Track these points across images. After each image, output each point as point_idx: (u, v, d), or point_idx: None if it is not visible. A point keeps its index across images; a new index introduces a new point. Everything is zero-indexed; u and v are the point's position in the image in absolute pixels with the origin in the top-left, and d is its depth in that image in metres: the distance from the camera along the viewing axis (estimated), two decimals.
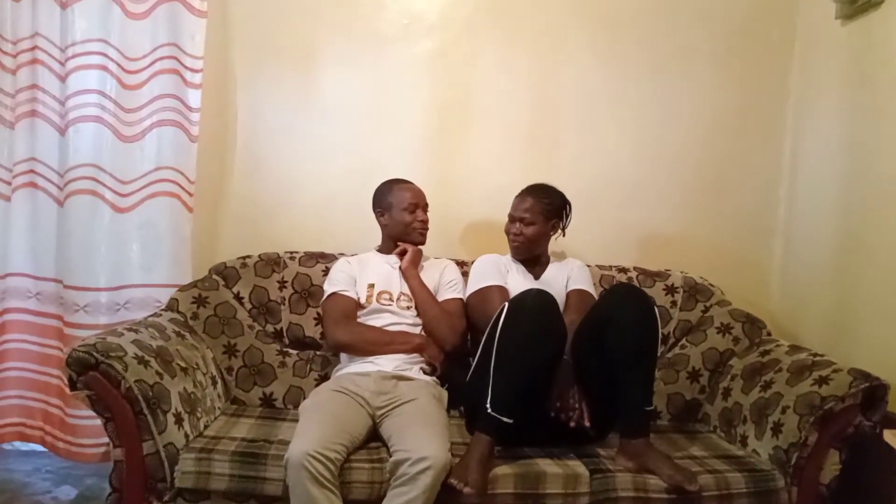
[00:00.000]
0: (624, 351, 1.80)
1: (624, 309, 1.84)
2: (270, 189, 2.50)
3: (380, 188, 2.25)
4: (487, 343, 1.86)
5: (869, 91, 2.13)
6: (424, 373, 2.06)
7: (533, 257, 2.24)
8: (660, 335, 1.88)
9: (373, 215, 2.26)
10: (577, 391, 1.85)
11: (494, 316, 1.86)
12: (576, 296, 2.16)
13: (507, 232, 2.22)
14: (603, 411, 1.86)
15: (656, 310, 1.87)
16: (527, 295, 1.85)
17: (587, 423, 1.82)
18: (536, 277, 2.22)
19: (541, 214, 2.16)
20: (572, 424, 1.82)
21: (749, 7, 2.52)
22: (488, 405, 1.75)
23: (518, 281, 2.17)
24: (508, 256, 2.27)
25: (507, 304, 1.85)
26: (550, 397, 1.84)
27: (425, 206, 2.23)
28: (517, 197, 2.21)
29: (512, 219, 2.20)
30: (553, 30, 2.50)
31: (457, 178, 2.51)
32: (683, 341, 2.30)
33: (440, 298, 2.18)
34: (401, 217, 2.19)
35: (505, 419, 1.73)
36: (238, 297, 2.25)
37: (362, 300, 2.14)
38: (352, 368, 2.04)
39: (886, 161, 2.03)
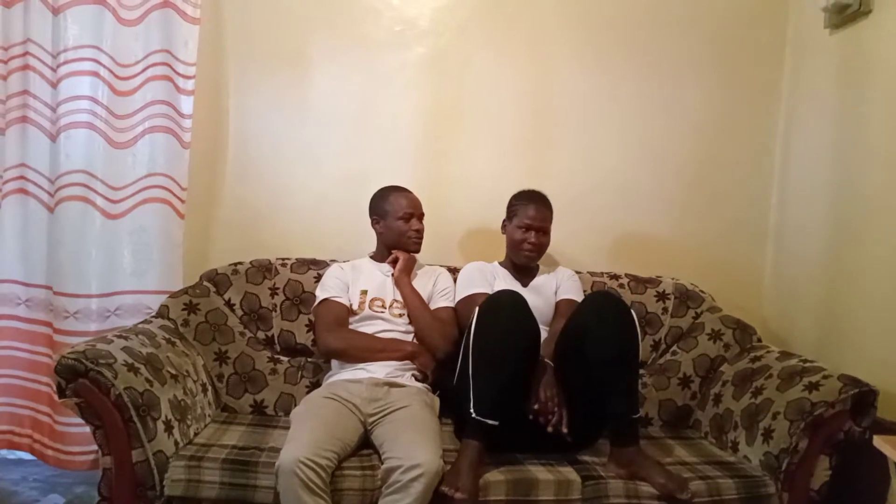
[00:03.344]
0: (605, 363, 1.79)
1: (601, 320, 1.82)
2: (262, 195, 2.50)
3: (377, 195, 2.25)
4: (465, 348, 1.86)
5: (858, 98, 2.15)
6: (416, 380, 2.05)
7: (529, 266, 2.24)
8: (640, 341, 1.85)
9: (365, 221, 2.26)
10: (558, 395, 1.84)
11: (469, 321, 1.86)
12: (566, 305, 2.15)
13: (522, 240, 2.15)
14: (584, 419, 1.85)
15: (634, 316, 1.85)
16: (498, 295, 1.86)
17: (565, 430, 1.80)
18: (525, 285, 2.20)
19: (550, 223, 2.19)
20: (550, 429, 1.80)
21: (740, 16, 2.55)
22: (472, 410, 1.75)
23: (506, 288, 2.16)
24: (496, 264, 2.27)
25: (478, 307, 1.85)
26: (529, 399, 1.83)
27: (421, 215, 2.22)
28: (532, 205, 2.15)
29: (530, 228, 2.14)
30: (545, 36, 2.52)
31: (449, 183, 2.51)
32: (675, 347, 2.31)
33: (433, 306, 2.18)
34: (396, 225, 2.19)
35: (489, 422, 1.73)
36: (229, 304, 2.24)
37: (354, 307, 2.14)
38: (343, 375, 2.04)
39: (876, 167, 2.05)
